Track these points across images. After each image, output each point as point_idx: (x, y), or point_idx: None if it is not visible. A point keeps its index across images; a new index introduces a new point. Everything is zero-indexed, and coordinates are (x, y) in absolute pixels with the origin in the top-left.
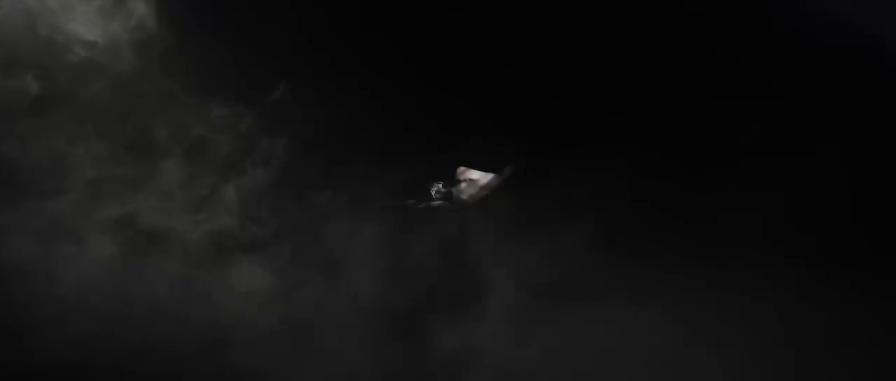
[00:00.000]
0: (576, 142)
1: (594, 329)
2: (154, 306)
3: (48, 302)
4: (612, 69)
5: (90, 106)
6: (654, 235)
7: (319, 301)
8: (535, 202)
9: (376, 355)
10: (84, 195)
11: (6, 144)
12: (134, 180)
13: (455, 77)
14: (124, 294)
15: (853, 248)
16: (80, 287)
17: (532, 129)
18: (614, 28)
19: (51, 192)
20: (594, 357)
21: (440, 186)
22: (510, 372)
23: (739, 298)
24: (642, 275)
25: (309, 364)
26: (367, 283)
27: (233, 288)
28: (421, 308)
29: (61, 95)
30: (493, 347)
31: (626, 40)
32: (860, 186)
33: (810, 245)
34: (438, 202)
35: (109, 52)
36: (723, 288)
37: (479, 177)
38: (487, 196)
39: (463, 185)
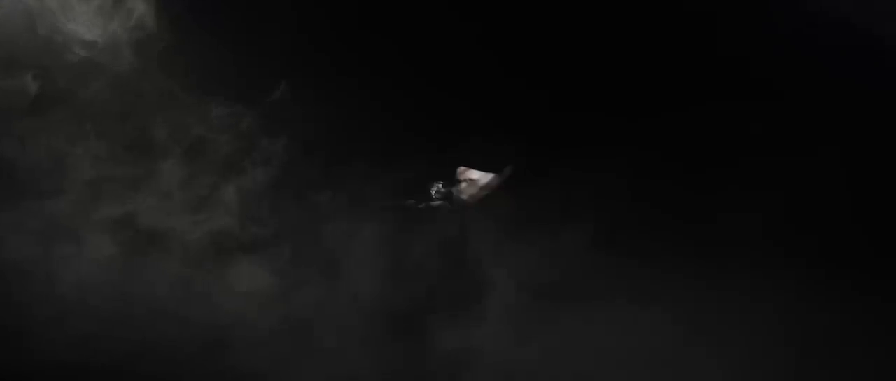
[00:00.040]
0: (576, 142)
1: (594, 329)
2: (154, 307)
3: (48, 302)
4: (612, 69)
5: (90, 106)
6: (654, 235)
7: (319, 301)
8: (535, 202)
9: (376, 355)
10: (83, 195)
11: (5, 144)
12: (133, 180)
13: (455, 77)
14: (124, 294)
15: (853, 248)
16: (80, 287)
17: (532, 129)
18: (614, 28)
19: (50, 192)
20: (594, 357)
21: (440, 186)
22: (510, 372)
23: (739, 298)
24: (642, 275)
25: (309, 364)
26: (367, 283)
27: (233, 288)
28: (421, 308)
29: (61, 94)
30: (493, 347)
31: (626, 40)
32: (860, 186)
33: (810, 245)
34: (438, 202)
35: (109, 52)
36: (723, 288)
37: (479, 177)
38: (487, 196)
39: (463, 185)
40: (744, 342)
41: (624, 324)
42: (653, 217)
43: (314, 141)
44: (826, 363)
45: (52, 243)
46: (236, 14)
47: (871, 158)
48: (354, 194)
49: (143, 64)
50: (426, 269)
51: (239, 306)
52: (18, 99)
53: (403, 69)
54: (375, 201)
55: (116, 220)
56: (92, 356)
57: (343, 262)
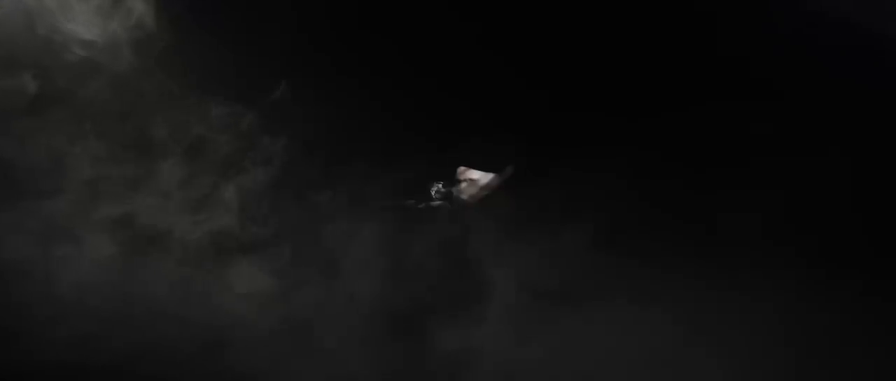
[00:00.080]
0: (576, 142)
1: (594, 329)
2: (153, 307)
3: (46, 303)
4: (612, 69)
5: (89, 105)
6: (655, 235)
7: (319, 302)
8: (536, 202)
9: (376, 355)
10: (83, 195)
11: (4, 144)
12: (133, 180)
13: (455, 77)
14: (123, 295)
15: (854, 248)
16: (79, 288)
17: (532, 129)
18: (615, 28)
19: (49, 192)
20: (594, 358)
21: (440, 186)
22: (510, 372)
23: (740, 298)
24: (643, 275)
25: (309, 365)
26: (366, 283)
27: (232, 288)
28: (421, 309)
29: (60, 94)
30: (493, 347)
31: (627, 40)
32: (861, 186)
33: (811, 245)
34: (438, 202)
35: (108, 52)
36: (723, 288)
37: (480, 177)
38: (488, 196)
39: (463, 185)
40: (744, 342)
41: (624, 324)
42: (653, 217)
43: (314, 141)
44: (827, 363)
45: (50, 243)
46: (236, 14)
47: (872, 158)
48: (354, 193)
49: (142, 63)
50: (426, 269)
51: (239, 307)
52: (17, 98)
53: (403, 69)
54: (375, 201)
55: (116, 220)
56: (91, 357)
57: (343, 262)
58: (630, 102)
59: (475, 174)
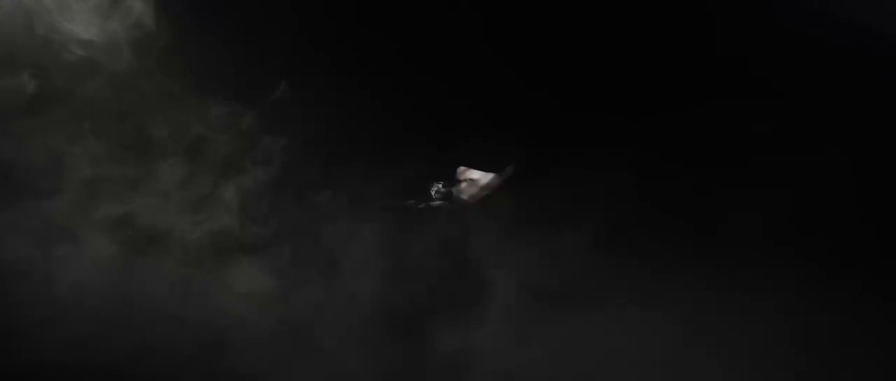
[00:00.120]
0: (577, 141)
1: (595, 330)
2: (153, 308)
3: (45, 303)
4: (613, 68)
5: (88, 105)
6: (656, 235)
7: (319, 302)
8: (536, 202)
9: (376, 356)
10: (81, 195)
11: (2, 144)
12: (132, 180)
13: (455, 77)
14: (122, 295)
15: (855, 248)
16: (78, 288)
17: (533, 128)
18: (615, 27)
19: (48, 191)
20: (595, 358)
21: (440, 186)
22: (511, 373)
23: (741, 298)
24: (644, 275)
25: (308, 365)
26: (366, 283)
27: (232, 289)
28: (421, 309)
29: (58, 93)
30: (493, 348)
31: (628, 39)
32: (863, 186)
33: (812, 245)
34: (438, 202)
35: (107, 51)
36: (724, 288)
37: (480, 177)
38: (488, 196)
39: (463, 185)
40: (745, 342)
41: (625, 324)
42: (654, 217)
43: (314, 141)
44: (828, 363)
45: (49, 244)
46: (236, 14)
47: (874, 158)
48: (354, 193)
49: (141, 63)
50: (426, 269)
51: (239, 307)
52: (15, 98)
53: (403, 69)
54: (375, 201)
55: (115, 220)
56: (90, 357)
57: (343, 262)
58: (630, 101)
59: (475, 174)
